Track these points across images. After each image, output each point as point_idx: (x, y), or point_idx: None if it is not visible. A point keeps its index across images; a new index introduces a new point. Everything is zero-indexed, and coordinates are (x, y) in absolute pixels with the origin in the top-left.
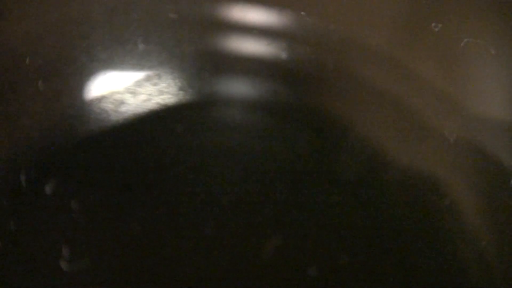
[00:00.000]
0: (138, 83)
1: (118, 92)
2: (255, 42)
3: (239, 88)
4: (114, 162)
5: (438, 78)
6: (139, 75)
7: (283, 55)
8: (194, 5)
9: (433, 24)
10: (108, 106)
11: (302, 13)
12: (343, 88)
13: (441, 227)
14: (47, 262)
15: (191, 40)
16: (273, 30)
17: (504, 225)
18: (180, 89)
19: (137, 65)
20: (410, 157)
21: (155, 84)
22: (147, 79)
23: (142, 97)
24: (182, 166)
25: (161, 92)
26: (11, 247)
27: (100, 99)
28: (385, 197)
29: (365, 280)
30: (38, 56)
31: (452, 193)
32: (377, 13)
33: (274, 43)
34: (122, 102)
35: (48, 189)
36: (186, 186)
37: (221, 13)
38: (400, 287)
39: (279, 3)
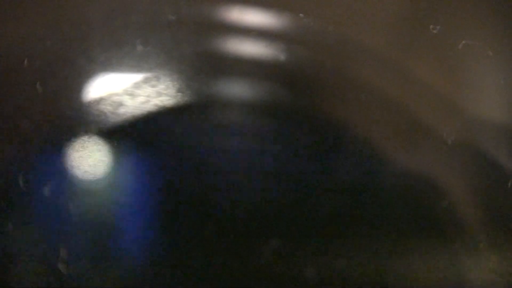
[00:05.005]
0: (137, 85)
1: (117, 94)
2: (254, 44)
3: (237, 90)
4: (112, 165)
5: (436, 79)
6: (138, 77)
7: (282, 56)
8: (193, 7)
9: (431, 26)
10: (106, 108)
11: (301, 14)
12: (342, 89)
13: (439, 228)
14: (45, 264)
15: (190, 42)
16: (271, 32)
17: (503, 226)
18: (179, 91)
19: (135, 67)
20: (408, 158)
21: (153, 86)
22: (146, 81)
23: (141, 99)
24: (181, 168)
25: (159, 94)
26: (9, 249)
27: (99, 101)
28: (383, 198)
29: (364, 282)
30: (36, 58)
31: (451, 195)
32: (375, 15)
33: (272, 45)
34: (120, 104)
35: (46, 191)
36: (184, 187)
37: (219, 15)
38: None
39: (277, 5)
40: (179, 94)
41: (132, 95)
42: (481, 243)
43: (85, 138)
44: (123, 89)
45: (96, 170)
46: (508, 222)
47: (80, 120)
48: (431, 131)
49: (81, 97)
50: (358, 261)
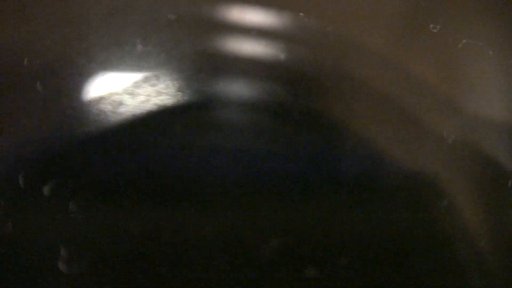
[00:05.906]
0: (137, 84)
1: (117, 93)
2: (254, 43)
3: (237, 89)
4: (113, 163)
5: (437, 79)
6: (138, 76)
7: (282, 56)
8: (193, 6)
9: (431, 25)
10: (106, 107)
11: (301, 14)
12: (342, 89)
13: (439, 227)
14: (45, 263)
15: (190, 41)
16: (271, 31)
17: (503, 226)
18: (179, 90)
19: (135, 66)
20: (408, 158)
21: (153, 85)
22: (146, 80)
23: (141, 98)
24: (181, 167)
25: (159, 93)
26: (9, 248)
27: (99, 100)
28: (383, 197)
29: (364, 281)
30: (37, 57)
31: (451, 194)
32: (375, 14)
33: (272, 44)
34: (120, 103)
35: (46, 190)
36: (185, 187)
37: (219, 14)
38: None
39: (277, 4)
40: (179, 93)
41: (132, 94)
42: (481, 242)
43: (85, 137)
44: (123, 88)
45: (96, 169)
46: (508, 222)
47: (80, 120)
48: (431, 130)
49: (81, 96)
50: (358, 260)
